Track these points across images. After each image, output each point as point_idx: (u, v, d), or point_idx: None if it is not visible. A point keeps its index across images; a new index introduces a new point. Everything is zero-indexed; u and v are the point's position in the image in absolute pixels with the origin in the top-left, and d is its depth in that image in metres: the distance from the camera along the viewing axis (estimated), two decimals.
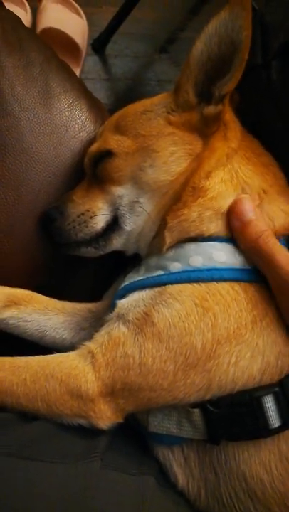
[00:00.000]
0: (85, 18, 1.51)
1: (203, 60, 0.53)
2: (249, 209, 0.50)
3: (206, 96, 0.54)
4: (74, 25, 1.44)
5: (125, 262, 0.67)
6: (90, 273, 0.68)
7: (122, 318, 0.50)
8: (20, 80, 0.60)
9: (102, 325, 0.60)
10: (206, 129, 0.55)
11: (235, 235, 0.51)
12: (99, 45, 1.55)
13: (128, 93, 1.58)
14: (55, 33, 1.37)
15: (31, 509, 0.40)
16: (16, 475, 0.42)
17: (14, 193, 0.58)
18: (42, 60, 0.62)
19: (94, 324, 0.62)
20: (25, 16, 1.41)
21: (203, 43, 0.53)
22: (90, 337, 0.61)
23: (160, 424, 0.49)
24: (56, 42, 1.37)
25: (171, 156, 0.54)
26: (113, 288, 0.69)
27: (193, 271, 0.50)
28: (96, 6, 1.62)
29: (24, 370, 0.49)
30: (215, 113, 0.54)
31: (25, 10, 1.42)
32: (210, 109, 0.54)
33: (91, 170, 0.61)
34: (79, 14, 1.50)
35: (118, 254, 0.64)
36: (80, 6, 1.51)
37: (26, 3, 1.43)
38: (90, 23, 1.54)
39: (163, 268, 0.52)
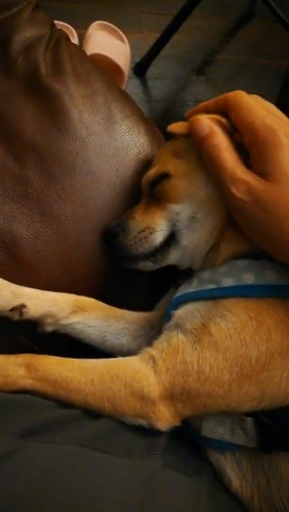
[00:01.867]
0: (127, 44, 1.60)
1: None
2: (204, 125, 0.54)
3: None
4: (118, 50, 1.52)
5: (176, 274, 0.72)
6: (145, 283, 0.72)
7: (179, 327, 0.53)
8: (87, 107, 0.66)
9: (157, 333, 0.64)
10: None
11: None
12: (140, 68, 1.63)
13: (167, 114, 1.65)
14: (101, 58, 1.45)
15: (103, 498, 0.41)
16: (90, 465, 0.44)
17: (81, 210, 0.63)
18: (105, 90, 0.69)
19: (149, 332, 0.66)
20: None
21: None
22: (145, 344, 0.65)
23: (213, 430, 0.51)
24: (102, 66, 1.46)
25: None
26: (165, 299, 0.73)
27: (246, 287, 0.52)
28: (138, 31, 1.71)
29: (92, 371, 0.51)
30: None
31: (73, 37, 1.52)
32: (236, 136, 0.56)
33: (149, 190, 0.65)
34: (122, 40, 1.59)
35: (170, 268, 0.68)
36: (123, 32, 1.60)
37: (74, 31, 1.53)
38: (132, 48, 1.62)
39: (216, 282, 0.55)
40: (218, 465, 0.53)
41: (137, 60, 1.63)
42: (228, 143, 0.53)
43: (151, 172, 0.65)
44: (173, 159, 0.62)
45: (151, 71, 1.66)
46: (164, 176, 0.62)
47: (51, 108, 0.63)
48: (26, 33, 0.65)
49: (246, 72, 1.79)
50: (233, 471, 0.52)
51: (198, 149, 0.55)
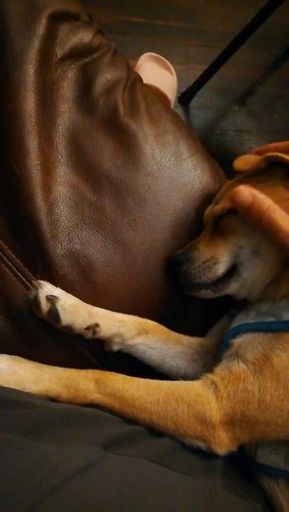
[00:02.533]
0: (175, 75, 1.67)
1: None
2: (246, 195, 0.56)
3: None
4: (166, 81, 1.59)
5: (229, 304, 0.76)
6: (200, 311, 0.76)
7: (241, 356, 0.56)
8: (159, 145, 0.71)
9: (212, 359, 0.68)
10: None
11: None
12: (185, 98, 1.69)
13: (208, 142, 1.70)
14: (150, 89, 1.52)
15: (171, 511, 0.44)
16: (161, 479, 0.47)
17: (149, 239, 0.68)
18: (175, 129, 0.74)
19: (203, 357, 0.69)
20: None
21: None
22: (200, 368, 0.69)
23: (268, 457, 0.54)
24: None
25: None
26: (218, 326, 0.77)
27: None
28: (184, 63, 1.78)
29: (157, 391, 0.55)
30: None
31: None
32: None
33: (213, 224, 0.69)
34: (170, 71, 1.66)
35: (223, 296, 0.72)
36: (170, 63, 1.67)
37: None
38: (178, 78, 1.69)
39: (275, 315, 0.58)
40: (271, 492, 0.55)
41: (183, 90, 1.70)
42: (274, 204, 0.56)
43: (219, 207, 0.69)
44: None
45: (195, 101, 1.71)
46: (231, 212, 0.66)
47: (127, 145, 0.69)
48: (108, 76, 0.71)
49: (286, 104, 1.84)
50: (285, 500, 0.54)
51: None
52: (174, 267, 0.69)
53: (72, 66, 0.69)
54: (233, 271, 0.67)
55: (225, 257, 0.66)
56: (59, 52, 0.67)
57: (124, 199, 0.67)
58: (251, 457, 0.56)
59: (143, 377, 0.58)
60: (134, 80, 0.75)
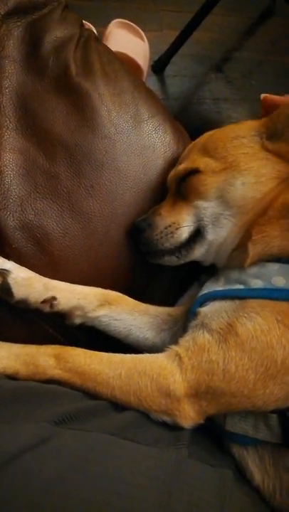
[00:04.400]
0: (147, 42, 1.60)
1: None
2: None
3: None
4: (137, 48, 1.53)
5: (199, 270, 0.73)
6: (168, 279, 0.74)
7: (205, 326, 0.54)
8: (116, 106, 0.67)
9: (180, 328, 0.65)
10: None
11: None
12: (159, 66, 1.63)
13: (185, 111, 1.65)
14: (120, 57, 1.44)
15: (133, 485, 0.42)
16: (120, 452, 0.45)
17: (109, 206, 0.65)
18: (133, 89, 0.70)
19: (172, 327, 0.67)
20: None
21: None
22: (169, 338, 0.66)
23: (237, 425, 0.52)
24: None
25: (262, 177, 0.59)
26: (188, 294, 0.75)
27: (276, 290, 0.53)
28: (156, 30, 1.71)
29: (120, 365, 0.53)
30: None
31: None
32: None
33: (176, 187, 0.66)
34: (141, 38, 1.59)
35: (192, 263, 0.69)
36: (142, 30, 1.61)
37: (94, 29, 1.54)
38: (151, 45, 1.63)
39: (244, 283, 0.56)
40: (241, 459, 0.54)
41: (156, 57, 1.64)
42: None
43: (180, 168, 0.66)
44: (204, 157, 0.63)
45: (170, 69, 1.66)
46: (193, 172, 0.63)
47: (81, 106, 0.65)
48: (57, 33, 0.67)
49: (264, 70, 1.79)
50: (256, 466, 0.53)
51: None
52: (136, 234, 0.66)
53: (19, 23, 0.65)
54: (197, 235, 0.64)
55: (188, 221, 0.63)
56: (2, 8, 0.62)
57: (80, 165, 0.64)
58: (221, 425, 0.55)
59: (113, 352, 0.56)
60: (87, 38, 0.70)
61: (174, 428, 0.52)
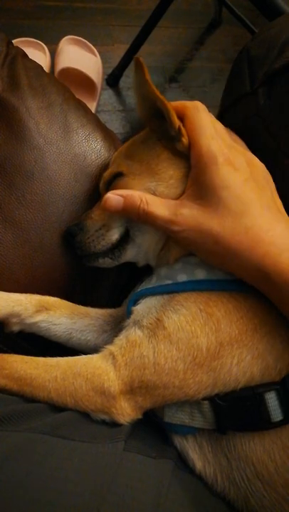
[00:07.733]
0: (99, 56, 1.64)
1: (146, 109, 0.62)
2: (116, 199, 0.58)
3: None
4: (89, 63, 1.56)
5: (141, 273, 0.75)
6: (110, 282, 0.75)
7: (137, 323, 0.56)
8: (44, 118, 0.69)
9: (121, 329, 0.67)
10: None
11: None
12: (113, 79, 1.67)
13: (142, 122, 1.69)
14: (72, 72, 1.49)
15: (67, 481, 0.42)
16: (51, 450, 0.45)
17: (42, 214, 0.66)
18: (61, 101, 0.72)
19: (114, 327, 0.68)
20: (44, 58, 1.54)
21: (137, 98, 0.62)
22: (111, 339, 0.68)
23: (174, 415, 0.54)
24: (74, 80, 1.50)
25: (171, 178, 0.59)
26: (130, 296, 0.76)
27: (198, 281, 0.55)
28: (108, 44, 1.76)
29: (55, 368, 0.54)
30: (185, 146, 0.58)
31: (45, 53, 1.56)
32: (178, 145, 0.59)
33: (106, 191, 0.68)
34: (93, 53, 1.63)
35: (134, 266, 0.71)
36: (94, 45, 1.65)
37: (45, 47, 1.57)
38: (104, 60, 1.67)
39: (171, 278, 0.58)
40: (182, 448, 0.55)
41: (109, 71, 1.68)
42: (144, 195, 0.58)
43: (107, 172, 0.68)
44: (126, 160, 0.65)
45: (124, 81, 1.70)
46: (118, 176, 0.65)
47: (8, 121, 0.67)
48: None
49: (216, 78, 1.84)
50: (196, 453, 0.54)
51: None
52: (70, 238, 0.68)
53: None
54: (127, 236, 0.66)
55: (117, 223, 0.65)
56: None
57: (11, 176, 0.65)
58: (160, 418, 0.56)
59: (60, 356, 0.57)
60: (14, 55, 0.72)
61: (113, 424, 0.53)
